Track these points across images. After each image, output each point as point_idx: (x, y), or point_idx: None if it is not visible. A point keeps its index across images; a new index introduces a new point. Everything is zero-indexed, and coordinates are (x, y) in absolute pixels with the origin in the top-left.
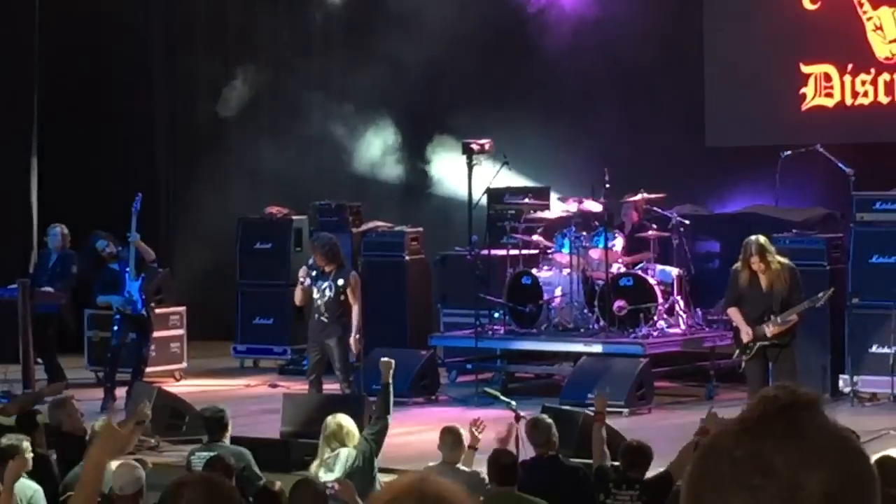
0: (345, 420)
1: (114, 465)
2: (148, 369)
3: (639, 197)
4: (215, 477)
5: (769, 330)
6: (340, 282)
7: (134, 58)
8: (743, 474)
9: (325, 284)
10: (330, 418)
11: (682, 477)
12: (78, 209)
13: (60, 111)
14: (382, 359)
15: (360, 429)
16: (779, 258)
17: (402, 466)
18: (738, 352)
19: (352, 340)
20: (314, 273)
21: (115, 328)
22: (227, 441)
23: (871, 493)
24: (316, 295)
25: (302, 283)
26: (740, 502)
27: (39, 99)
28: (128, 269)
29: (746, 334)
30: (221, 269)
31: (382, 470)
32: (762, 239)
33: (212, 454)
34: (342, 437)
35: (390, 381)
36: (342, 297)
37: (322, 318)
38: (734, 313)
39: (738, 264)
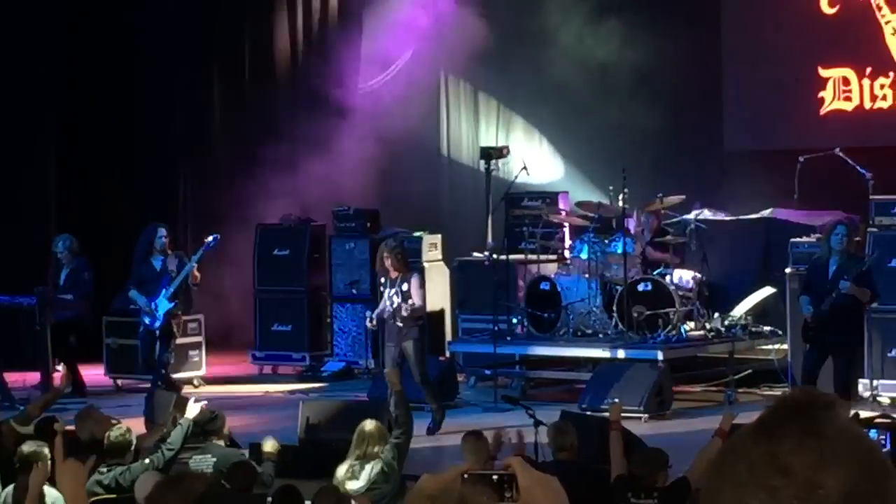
0: (378, 425)
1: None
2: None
3: (657, 203)
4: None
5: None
6: (405, 287)
7: (152, 75)
8: (760, 475)
9: (393, 291)
10: (367, 423)
11: (701, 481)
12: (94, 221)
13: (81, 127)
14: (387, 370)
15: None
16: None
17: (424, 471)
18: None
19: (367, 316)
20: (383, 280)
21: (140, 344)
22: (221, 443)
23: (889, 492)
24: (387, 303)
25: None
26: (758, 503)
27: (62, 114)
28: (168, 287)
29: (808, 318)
30: (240, 276)
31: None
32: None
33: (206, 456)
34: (376, 443)
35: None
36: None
37: (398, 323)
38: (804, 301)
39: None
